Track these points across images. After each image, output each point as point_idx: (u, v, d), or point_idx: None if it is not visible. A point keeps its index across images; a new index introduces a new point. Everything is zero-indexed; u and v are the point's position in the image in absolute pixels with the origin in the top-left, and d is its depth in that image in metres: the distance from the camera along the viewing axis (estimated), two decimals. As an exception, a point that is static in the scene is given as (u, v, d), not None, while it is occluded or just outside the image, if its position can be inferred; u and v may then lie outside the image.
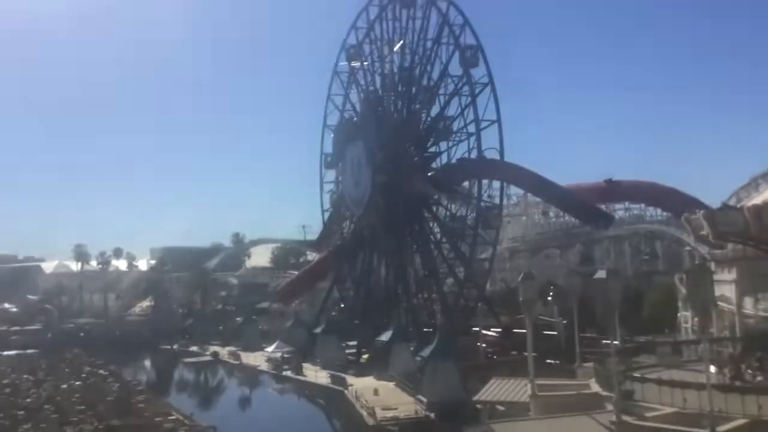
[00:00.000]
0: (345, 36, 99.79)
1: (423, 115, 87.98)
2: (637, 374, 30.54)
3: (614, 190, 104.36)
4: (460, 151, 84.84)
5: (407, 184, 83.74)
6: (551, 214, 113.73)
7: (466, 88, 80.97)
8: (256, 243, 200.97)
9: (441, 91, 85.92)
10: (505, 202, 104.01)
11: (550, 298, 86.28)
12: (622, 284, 28.14)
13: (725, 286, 41.44)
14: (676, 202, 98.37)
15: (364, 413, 55.52)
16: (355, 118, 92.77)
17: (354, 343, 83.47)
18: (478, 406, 39.84)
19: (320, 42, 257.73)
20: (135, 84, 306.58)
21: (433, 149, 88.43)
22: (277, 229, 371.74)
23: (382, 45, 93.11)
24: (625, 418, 26.32)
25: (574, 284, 41.84)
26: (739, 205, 31.23)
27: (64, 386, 73.28)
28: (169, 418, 56.44)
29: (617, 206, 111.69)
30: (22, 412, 60.12)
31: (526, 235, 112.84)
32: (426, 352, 58.11)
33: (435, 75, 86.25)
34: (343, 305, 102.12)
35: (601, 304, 27.57)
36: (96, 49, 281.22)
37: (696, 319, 38.34)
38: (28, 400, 65.76)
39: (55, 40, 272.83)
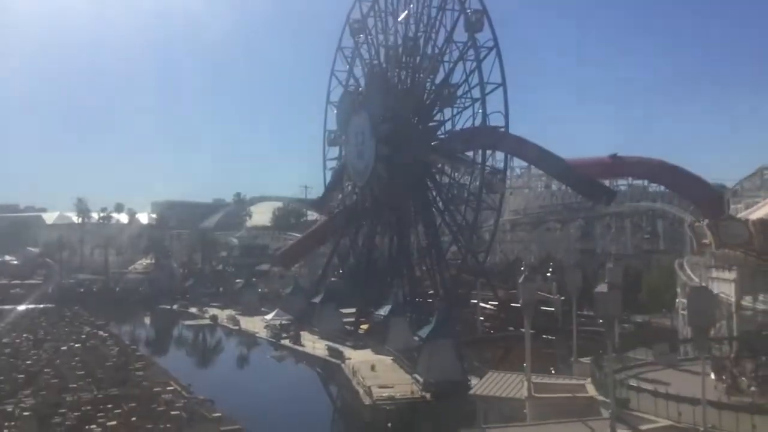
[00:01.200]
0: (349, 10, 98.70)
1: (427, 83, 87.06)
2: (633, 383, 30.58)
3: (619, 166, 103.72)
4: (464, 117, 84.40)
5: (410, 154, 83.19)
6: (554, 187, 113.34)
7: (471, 52, 80.00)
8: (257, 201, 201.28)
9: (446, 59, 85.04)
10: (507, 173, 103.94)
11: (549, 274, 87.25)
12: (621, 299, 27.86)
13: (724, 284, 41.34)
14: (681, 181, 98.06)
15: (361, 391, 56.02)
16: (360, 89, 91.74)
17: (352, 310, 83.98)
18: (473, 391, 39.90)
19: (327, 17, 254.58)
20: (142, 39, 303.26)
21: (438, 117, 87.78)
22: (278, 187, 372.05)
23: (386, 16, 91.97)
24: (620, 429, 26.45)
25: (575, 279, 41.41)
26: (743, 217, 30.91)
27: (64, 348, 73.74)
28: (168, 388, 56.85)
29: (621, 182, 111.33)
30: (22, 376, 60.80)
31: (527, 208, 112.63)
32: (424, 332, 58.37)
33: (440, 42, 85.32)
34: (342, 271, 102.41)
35: (600, 315, 27.48)
36: (104, 3, 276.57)
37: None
38: (28, 362, 66.40)
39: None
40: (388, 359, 65.47)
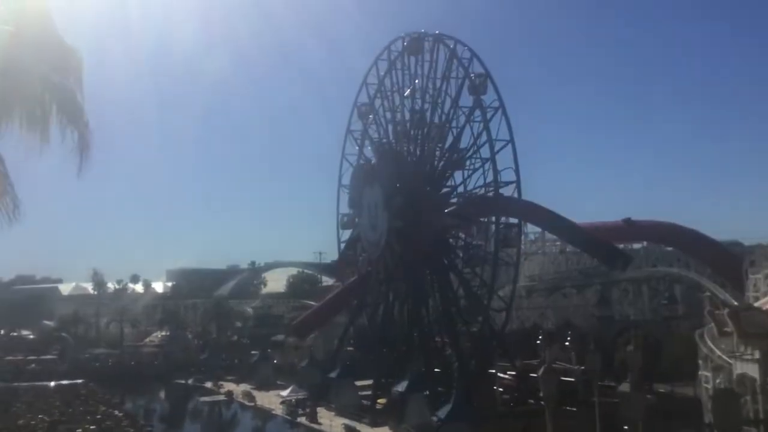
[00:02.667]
0: (356, 94, 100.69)
1: (437, 151, 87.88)
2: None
3: (633, 231, 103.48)
4: (475, 178, 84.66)
5: (423, 225, 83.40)
6: (569, 250, 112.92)
7: (477, 114, 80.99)
8: (271, 266, 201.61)
9: (453, 124, 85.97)
10: (521, 239, 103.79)
11: (567, 343, 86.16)
12: (645, 402, 27.35)
13: (749, 365, 40.62)
14: (694, 245, 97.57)
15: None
16: (372, 162, 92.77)
17: (368, 382, 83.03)
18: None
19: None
20: (157, 106, 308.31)
21: (449, 183, 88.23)
22: (292, 252, 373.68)
23: (392, 95, 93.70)
24: None
25: (595, 360, 40.86)
26: (763, 306, 30.52)
27: (79, 431, 73.30)
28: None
29: (636, 246, 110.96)
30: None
31: (543, 273, 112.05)
32: (443, 412, 57.54)
33: (446, 110, 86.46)
34: (356, 341, 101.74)
35: (624, 417, 26.96)
36: (109, 69, 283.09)
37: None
38: (43, 446, 65.90)
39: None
40: (407, 440, 64.54)
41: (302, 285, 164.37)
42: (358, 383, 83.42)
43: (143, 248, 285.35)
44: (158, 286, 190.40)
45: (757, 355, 40.93)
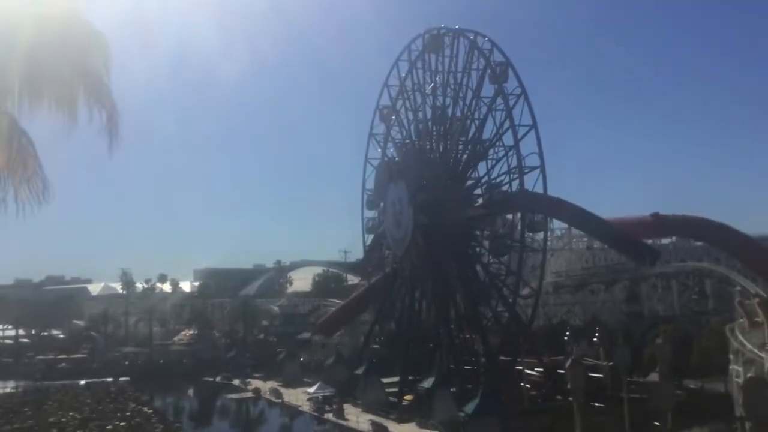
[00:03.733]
0: (378, 97, 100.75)
1: (459, 144, 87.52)
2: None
3: (661, 225, 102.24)
4: (499, 168, 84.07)
5: (448, 221, 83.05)
6: (596, 246, 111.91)
7: (499, 102, 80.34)
8: (297, 266, 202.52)
9: (475, 116, 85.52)
10: (548, 234, 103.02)
11: (595, 339, 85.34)
12: (674, 391, 27.03)
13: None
14: (726, 240, 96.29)
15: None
16: (396, 158, 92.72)
17: (395, 379, 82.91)
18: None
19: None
20: (182, 108, 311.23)
21: (473, 175, 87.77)
22: (318, 251, 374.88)
23: (414, 94, 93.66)
24: None
25: (623, 355, 40.41)
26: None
27: (110, 427, 74.11)
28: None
29: (664, 241, 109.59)
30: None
31: (570, 270, 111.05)
32: (470, 407, 57.31)
33: (468, 102, 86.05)
34: (382, 338, 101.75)
35: (653, 408, 26.62)
36: (134, 72, 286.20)
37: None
38: (75, 441, 66.83)
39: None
40: (433, 435, 64.35)
41: (328, 284, 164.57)
42: (385, 380, 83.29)
43: (171, 248, 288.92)
44: (186, 286, 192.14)
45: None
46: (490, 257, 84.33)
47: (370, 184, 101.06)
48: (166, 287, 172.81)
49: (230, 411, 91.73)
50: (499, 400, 59.18)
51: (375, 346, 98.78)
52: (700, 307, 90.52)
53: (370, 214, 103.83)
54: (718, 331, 76.39)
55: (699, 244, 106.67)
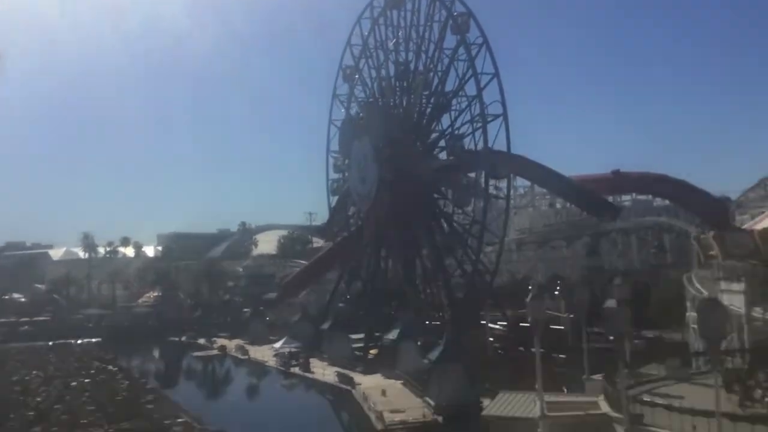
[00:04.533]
0: (341, 57, 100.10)
1: (423, 98, 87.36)
2: (646, 398, 30.43)
3: (622, 182, 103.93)
4: (462, 119, 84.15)
5: (413, 176, 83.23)
6: (558, 205, 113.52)
7: (462, 53, 80.00)
8: (262, 229, 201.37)
9: (438, 68, 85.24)
10: (511, 192, 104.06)
11: (557, 292, 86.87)
12: (631, 314, 27.84)
13: (734, 297, 41.26)
14: (684, 195, 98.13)
15: (372, 416, 55.72)
16: (360, 114, 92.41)
17: (361, 336, 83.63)
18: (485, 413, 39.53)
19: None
20: (145, 73, 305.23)
21: (437, 129, 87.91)
22: (283, 215, 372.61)
23: (377, 53, 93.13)
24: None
25: (583, 295, 41.27)
26: (748, 228, 30.89)
27: (74, 384, 73.75)
28: (178, 420, 56.80)
29: (624, 197, 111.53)
30: (32, 413, 60.71)
31: (533, 227, 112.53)
32: (434, 354, 58.16)
33: (430, 54, 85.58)
34: (349, 296, 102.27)
35: (610, 331, 27.42)
36: (102, 37, 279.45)
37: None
38: (38, 399, 66.32)
39: (62, 28, 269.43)
40: (398, 383, 65.14)
41: (293, 246, 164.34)
42: (351, 337, 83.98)
43: (133, 213, 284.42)
44: (149, 251, 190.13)
45: (742, 286, 41.64)
46: (455, 209, 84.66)
47: (335, 146, 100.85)
48: (129, 251, 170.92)
49: (196, 369, 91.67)
50: (462, 348, 60.04)
51: (341, 305, 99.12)
52: (659, 261, 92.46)
53: (335, 176, 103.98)
54: (675, 283, 78.56)
55: (660, 201, 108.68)
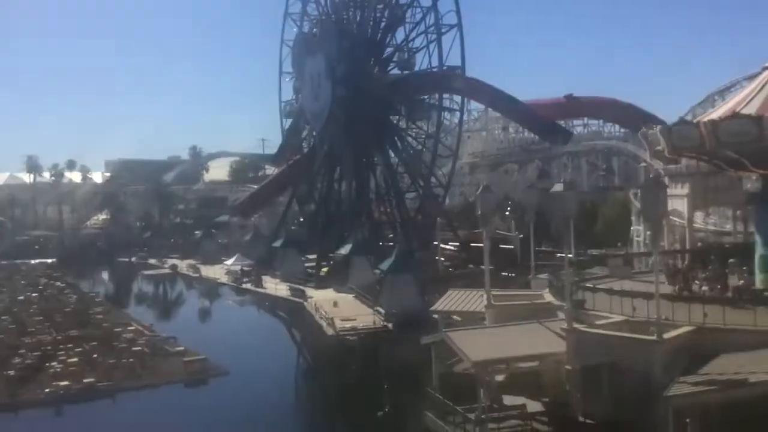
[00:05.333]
0: None
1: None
2: (589, 285, 31.35)
3: (574, 106, 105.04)
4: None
5: (366, 94, 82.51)
6: (511, 129, 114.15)
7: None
8: (214, 157, 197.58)
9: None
10: (465, 117, 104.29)
11: (507, 213, 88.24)
12: (577, 197, 28.41)
13: (677, 200, 42.39)
14: (635, 119, 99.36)
15: (324, 324, 56.54)
16: (314, 30, 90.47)
17: (314, 257, 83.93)
18: (435, 315, 40.53)
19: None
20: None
21: (392, 43, 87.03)
22: (235, 143, 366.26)
23: None
24: (576, 325, 27.14)
25: (531, 199, 41.92)
26: (695, 120, 31.46)
27: (21, 298, 73.04)
28: (129, 328, 56.82)
29: (576, 122, 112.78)
30: (-23, 325, 59.98)
31: (486, 151, 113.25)
32: (385, 265, 58.86)
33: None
34: (302, 219, 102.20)
35: (557, 216, 27.97)
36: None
37: (648, 232, 39.47)
38: (-17, 312, 65.52)
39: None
40: (350, 296, 66.02)
41: (246, 171, 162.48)
42: (304, 258, 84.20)
43: (79, 139, 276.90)
44: (97, 177, 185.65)
45: (686, 189, 42.85)
46: (409, 125, 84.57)
47: (288, 67, 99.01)
48: (76, 177, 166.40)
49: (147, 287, 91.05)
50: (413, 260, 60.94)
51: (293, 227, 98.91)
52: (607, 183, 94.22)
53: (289, 98, 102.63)
54: (622, 202, 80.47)
55: (609, 126, 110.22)
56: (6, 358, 47.67)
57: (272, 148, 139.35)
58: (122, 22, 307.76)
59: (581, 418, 27.07)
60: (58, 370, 44.51)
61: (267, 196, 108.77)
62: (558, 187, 26.34)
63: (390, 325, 54.21)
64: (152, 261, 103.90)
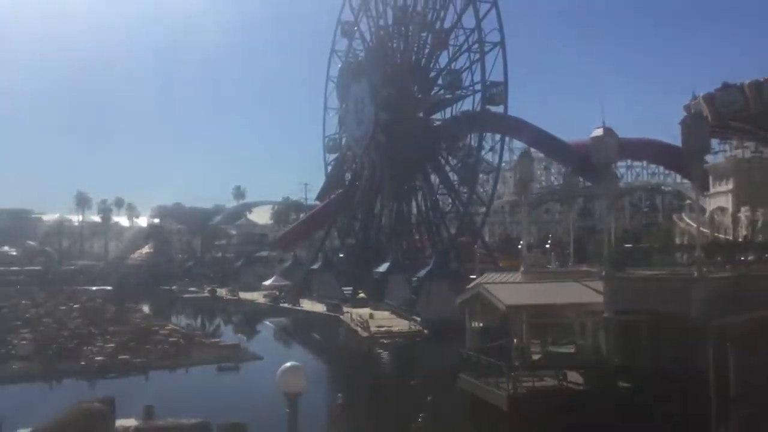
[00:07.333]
0: (339, 12, 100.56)
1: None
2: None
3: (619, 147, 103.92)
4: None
5: (411, 125, 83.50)
6: (553, 170, 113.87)
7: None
8: (257, 204, 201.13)
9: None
10: (506, 157, 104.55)
11: (548, 246, 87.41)
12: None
13: (721, 197, 41.73)
14: (678, 160, 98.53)
15: (359, 329, 56.20)
16: (360, 59, 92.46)
17: (350, 288, 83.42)
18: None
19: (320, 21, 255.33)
20: (142, 41, 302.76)
21: (435, 67, 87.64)
22: (278, 186, 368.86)
23: (376, 2, 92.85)
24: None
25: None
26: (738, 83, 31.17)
27: (63, 307, 74.16)
28: (166, 327, 57.28)
29: (619, 164, 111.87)
30: (19, 323, 61.07)
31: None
32: (422, 272, 58.58)
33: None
34: (342, 255, 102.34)
35: (598, 159, 27.80)
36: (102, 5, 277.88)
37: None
38: (27, 315, 66.67)
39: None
40: (386, 312, 65.55)
41: (288, 213, 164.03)
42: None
43: (128, 186, 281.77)
44: (143, 221, 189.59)
45: (730, 185, 42.10)
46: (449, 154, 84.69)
47: (333, 103, 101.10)
48: (123, 220, 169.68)
49: (186, 307, 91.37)
50: (450, 268, 60.50)
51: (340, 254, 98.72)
52: (650, 220, 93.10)
53: (332, 133, 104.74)
54: (664, 229, 79.15)
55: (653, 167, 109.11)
56: (46, 343, 48.47)
57: (314, 192, 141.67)
58: (168, 77, 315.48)
59: (616, 368, 26.41)
60: (96, 349, 45.02)
61: (308, 229, 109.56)
62: (598, 132, 26.15)
63: (426, 331, 53.62)
64: (192, 289, 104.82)
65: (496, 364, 27.26)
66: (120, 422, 22.59)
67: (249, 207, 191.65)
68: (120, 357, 42.40)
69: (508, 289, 28.16)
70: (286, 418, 11.23)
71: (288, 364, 11.94)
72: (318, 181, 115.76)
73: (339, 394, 28.33)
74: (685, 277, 24.57)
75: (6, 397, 35.17)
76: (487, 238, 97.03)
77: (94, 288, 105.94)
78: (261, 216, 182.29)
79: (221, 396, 35.69)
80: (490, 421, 27.12)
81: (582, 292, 27.68)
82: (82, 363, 41.18)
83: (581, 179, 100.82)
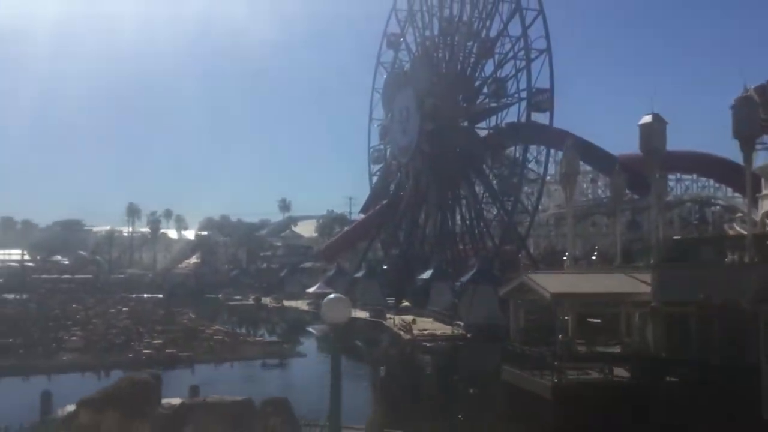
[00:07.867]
0: (385, 24, 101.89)
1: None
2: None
3: (666, 160, 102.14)
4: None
5: (455, 135, 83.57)
6: (600, 183, 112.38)
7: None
8: (302, 218, 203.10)
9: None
10: (552, 170, 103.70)
11: (594, 257, 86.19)
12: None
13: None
14: (729, 172, 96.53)
15: (402, 332, 56.19)
16: (405, 69, 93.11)
17: (393, 298, 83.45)
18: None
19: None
20: (190, 56, 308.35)
21: (481, 76, 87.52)
22: (323, 205, 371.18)
23: (422, 14, 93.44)
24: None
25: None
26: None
27: (112, 311, 75.85)
28: (212, 327, 58.22)
29: (669, 177, 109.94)
30: (69, 322, 62.76)
31: (572, 202, 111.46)
32: (465, 277, 58.36)
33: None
34: (386, 267, 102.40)
35: (644, 149, 27.48)
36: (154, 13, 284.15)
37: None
38: (78, 316, 68.38)
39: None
40: (429, 319, 65.37)
41: (332, 226, 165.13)
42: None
43: (175, 200, 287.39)
44: (190, 235, 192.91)
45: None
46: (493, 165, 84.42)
47: (378, 114, 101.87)
48: (172, 233, 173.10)
49: (231, 313, 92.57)
50: (493, 275, 60.04)
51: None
52: (701, 233, 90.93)
53: (377, 144, 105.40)
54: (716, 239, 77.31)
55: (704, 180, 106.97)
56: (95, 339, 49.67)
57: (358, 206, 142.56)
58: (213, 91, 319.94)
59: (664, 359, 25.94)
60: (144, 344, 45.93)
61: (351, 240, 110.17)
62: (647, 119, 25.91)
63: (468, 335, 53.30)
64: (237, 297, 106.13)
65: (540, 354, 27.02)
66: (166, 401, 23.17)
67: (294, 221, 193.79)
68: (167, 351, 43.11)
69: (553, 278, 27.97)
70: (330, 350, 11.34)
71: (332, 295, 12.08)
72: (363, 195, 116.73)
73: (381, 367, 28.38)
74: (737, 265, 24.06)
75: (57, 385, 36.14)
76: (531, 251, 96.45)
77: (146, 295, 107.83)
78: (306, 229, 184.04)
79: (265, 387, 36.05)
80: (533, 411, 26.87)
81: (629, 283, 27.34)
82: (130, 356, 41.95)
83: (629, 192, 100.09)
